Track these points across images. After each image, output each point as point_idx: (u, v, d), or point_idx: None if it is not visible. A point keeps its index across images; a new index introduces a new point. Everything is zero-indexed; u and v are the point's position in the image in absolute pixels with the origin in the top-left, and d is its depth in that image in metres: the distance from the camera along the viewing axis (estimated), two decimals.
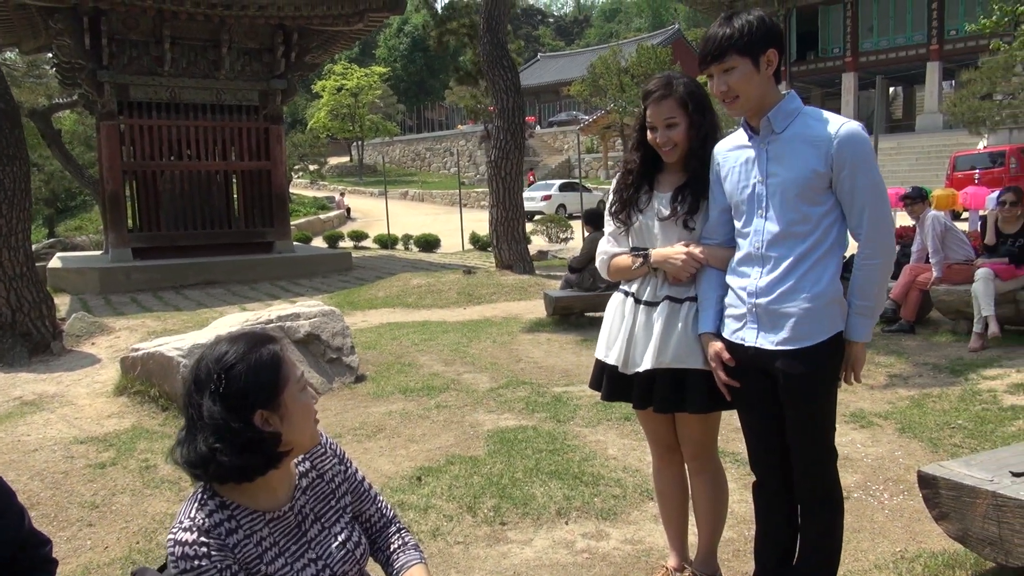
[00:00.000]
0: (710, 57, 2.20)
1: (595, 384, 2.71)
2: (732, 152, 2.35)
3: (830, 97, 34.74)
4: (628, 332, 2.54)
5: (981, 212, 9.17)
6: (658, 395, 2.49)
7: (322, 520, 1.69)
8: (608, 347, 2.62)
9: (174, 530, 1.52)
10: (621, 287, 2.66)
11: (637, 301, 2.56)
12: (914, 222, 7.29)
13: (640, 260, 2.52)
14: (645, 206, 2.54)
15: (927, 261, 6.96)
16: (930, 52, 28.89)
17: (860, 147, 2.15)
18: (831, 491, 2.34)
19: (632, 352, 2.53)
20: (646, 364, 2.48)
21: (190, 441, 1.52)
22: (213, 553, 1.49)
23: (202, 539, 1.49)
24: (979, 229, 7.30)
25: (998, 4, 7.97)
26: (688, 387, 2.45)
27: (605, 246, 2.68)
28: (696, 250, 2.42)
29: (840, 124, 2.16)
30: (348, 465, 1.81)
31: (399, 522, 1.88)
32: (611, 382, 2.61)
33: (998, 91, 18.76)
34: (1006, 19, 7.87)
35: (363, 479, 1.83)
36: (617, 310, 2.63)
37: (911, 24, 29.59)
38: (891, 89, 36.37)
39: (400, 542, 1.83)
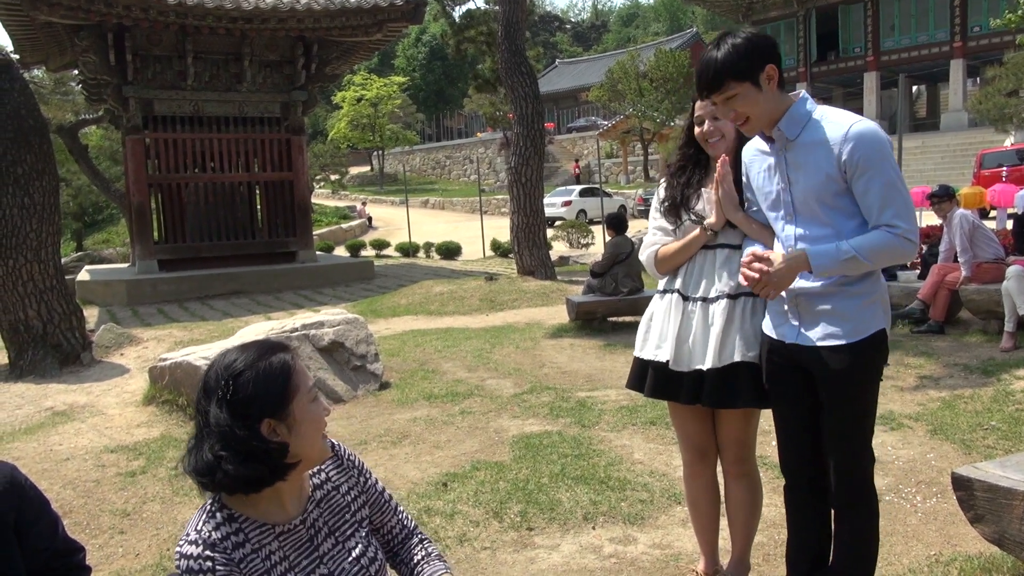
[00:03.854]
0: (708, 89, 2.17)
1: (635, 383, 2.67)
2: (757, 156, 2.34)
3: (852, 97, 34.39)
4: (678, 328, 2.52)
5: (1010, 210, 9.02)
6: (708, 390, 2.46)
7: (336, 534, 1.65)
8: (657, 345, 2.58)
9: (181, 543, 1.50)
10: (663, 287, 2.63)
11: (685, 297, 2.54)
12: (941, 221, 7.19)
13: (703, 226, 2.50)
14: (695, 204, 2.55)
15: (955, 260, 6.86)
16: (953, 49, 28.52)
17: (870, 147, 2.08)
18: (866, 494, 2.30)
19: (685, 348, 2.51)
20: (708, 363, 2.44)
21: (197, 449, 1.49)
22: (219, 568, 1.46)
23: (207, 553, 1.46)
24: (1008, 228, 7.16)
25: None
26: (739, 382, 2.43)
27: (651, 239, 2.65)
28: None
29: (850, 125, 2.10)
30: (367, 477, 1.76)
31: (421, 533, 1.85)
32: (656, 379, 2.58)
33: None
34: None
35: (383, 490, 1.79)
36: (664, 308, 2.60)
37: (933, 22, 29.24)
38: (914, 88, 35.95)
39: (424, 553, 1.80)
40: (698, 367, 2.48)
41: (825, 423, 2.26)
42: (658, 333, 2.60)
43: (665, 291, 2.63)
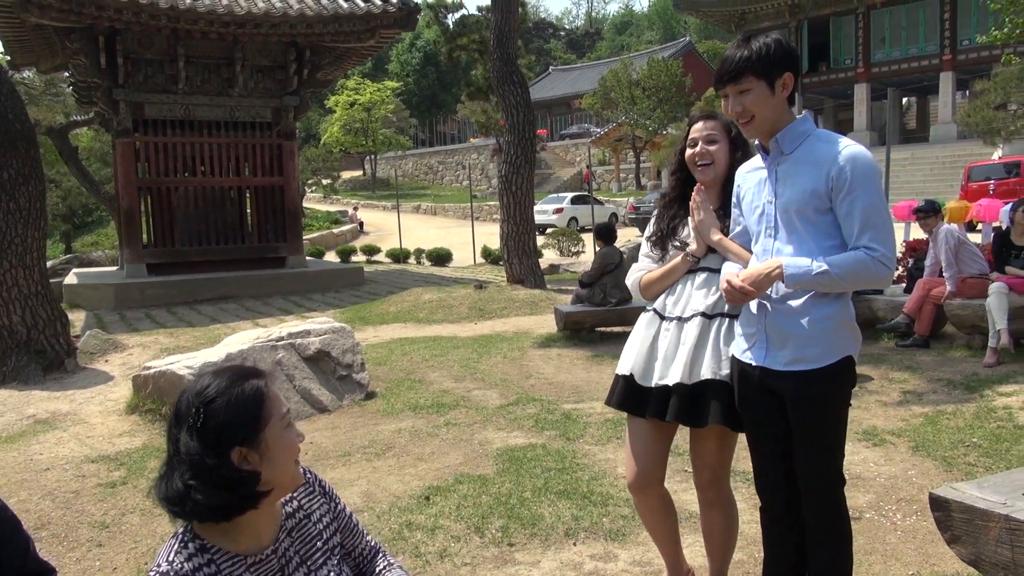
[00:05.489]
0: (726, 77, 2.21)
1: (609, 397, 2.67)
2: (750, 174, 2.37)
3: (842, 108, 34.60)
4: (650, 344, 2.54)
5: (994, 224, 9.08)
6: (675, 406, 2.44)
7: (308, 563, 1.64)
8: (629, 360, 2.60)
9: (152, 574, 1.48)
10: (648, 307, 2.66)
11: (662, 317, 2.57)
12: (927, 235, 7.23)
13: (685, 253, 2.54)
14: (682, 232, 2.59)
15: (941, 275, 6.90)
16: (943, 62, 28.74)
17: (860, 169, 2.12)
18: (837, 518, 2.30)
19: (652, 363, 2.52)
20: (676, 378, 2.43)
21: (168, 477, 1.49)
22: None
23: None
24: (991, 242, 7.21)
25: (1009, 16, 7.91)
26: (708, 400, 2.41)
27: (639, 264, 2.69)
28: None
29: (844, 146, 2.16)
30: (337, 502, 1.76)
31: (383, 549, 1.87)
32: (624, 391, 2.58)
33: (1013, 101, 18.63)
34: (1017, 31, 7.80)
35: (351, 514, 1.79)
36: (644, 326, 2.62)
37: (923, 35, 29.47)
38: (904, 100, 36.18)
39: (384, 563, 1.82)
40: (665, 382, 2.47)
41: (794, 447, 2.27)
42: (630, 349, 2.63)
43: (647, 309, 2.66)
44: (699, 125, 2.52)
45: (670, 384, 2.45)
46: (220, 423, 1.46)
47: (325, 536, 1.69)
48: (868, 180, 2.12)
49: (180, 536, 1.53)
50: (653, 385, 2.50)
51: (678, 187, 2.63)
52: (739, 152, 2.49)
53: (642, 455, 2.59)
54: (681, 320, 2.51)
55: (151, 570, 1.49)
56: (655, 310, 2.60)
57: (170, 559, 1.49)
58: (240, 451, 1.48)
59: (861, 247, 2.11)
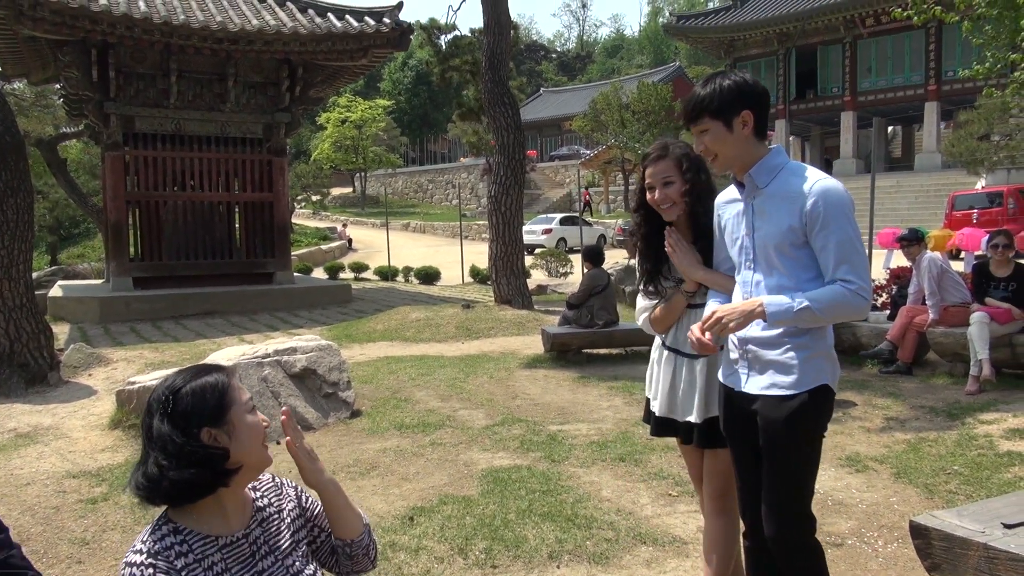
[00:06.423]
0: (687, 118, 2.32)
1: (646, 418, 2.86)
2: (728, 205, 2.42)
3: (829, 135, 35.04)
4: (669, 383, 2.69)
5: (977, 253, 9.21)
6: (698, 437, 2.61)
7: (276, 552, 1.73)
8: (655, 395, 2.77)
9: (128, 555, 1.57)
10: (662, 340, 2.76)
11: (672, 351, 2.67)
12: (911, 264, 7.32)
13: (680, 291, 2.63)
14: (669, 272, 2.66)
15: (923, 303, 6.98)
16: (928, 92, 29.20)
17: (832, 203, 2.15)
18: (802, 557, 2.27)
19: (675, 401, 2.67)
20: (695, 417, 2.60)
21: (143, 465, 1.60)
22: (160, 574, 1.54)
23: (150, 560, 1.55)
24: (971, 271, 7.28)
25: (991, 51, 8.06)
26: (718, 425, 2.53)
27: (642, 303, 2.78)
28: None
29: (815, 181, 2.19)
30: (303, 499, 1.85)
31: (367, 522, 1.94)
32: (656, 424, 2.77)
33: (995, 132, 18.95)
34: (999, 66, 7.96)
35: (320, 505, 1.87)
36: (658, 359, 2.77)
37: (909, 65, 29.95)
38: (890, 128, 36.69)
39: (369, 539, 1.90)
40: (689, 419, 2.63)
41: (762, 476, 2.28)
42: (655, 384, 2.77)
43: (661, 343, 2.77)
44: (650, 170, 2.55)
45: (692, 421, 2.62)
46: (188, 407, 1.60)
47: (292, 529, 1.79)
48: (841, 214, 2.16)
49: (154, 522, 1.63)
50: (680, 421, 2.67)
51: (644, 224, 2.69)
52: (691, 188, 2.52)
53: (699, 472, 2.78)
54: (693, 357, 2.62)
55: (128, 552, 1.57)
56: (670, 347, 2.70)
57: (143, 540, 1.59)
58: (208, 431, 1.60)
59: (838, 280, 2.15)
